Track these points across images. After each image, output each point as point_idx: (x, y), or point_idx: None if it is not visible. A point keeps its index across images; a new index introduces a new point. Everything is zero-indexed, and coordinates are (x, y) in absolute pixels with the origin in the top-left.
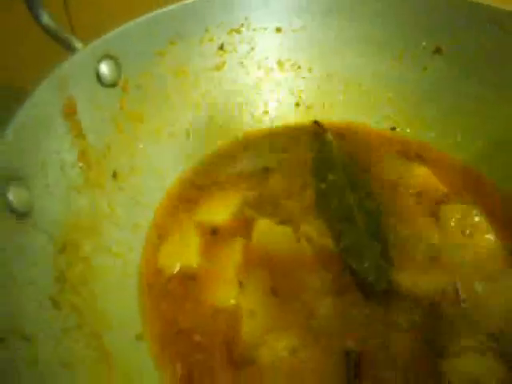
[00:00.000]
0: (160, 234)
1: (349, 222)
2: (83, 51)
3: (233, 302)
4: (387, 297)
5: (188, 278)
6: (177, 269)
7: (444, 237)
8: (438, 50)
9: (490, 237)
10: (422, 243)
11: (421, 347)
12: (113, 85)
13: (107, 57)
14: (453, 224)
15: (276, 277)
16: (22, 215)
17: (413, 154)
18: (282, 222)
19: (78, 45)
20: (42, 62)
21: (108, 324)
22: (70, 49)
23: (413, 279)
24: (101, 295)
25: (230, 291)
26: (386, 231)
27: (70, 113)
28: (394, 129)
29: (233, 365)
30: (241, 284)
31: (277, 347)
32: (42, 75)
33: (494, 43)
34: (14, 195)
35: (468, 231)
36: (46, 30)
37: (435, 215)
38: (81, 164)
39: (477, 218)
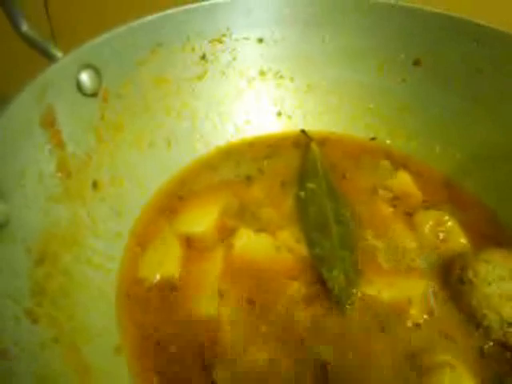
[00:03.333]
0: (140, 244)
1: (323, 231)
2: (63, 60)
3: (213, 313)
4: (354, 310)
5: (168, 289)
6: (157, 279)
7: (419, 242)
8: (416, 62)
9: (463, 241)
10: (395, 250)
11: (399, 362)
12: (93, 94)
13: (88, 66)
14: (427, 230)
15: (253, 287)
16: None
17: (396, 162)
18: (262, 231)
19: (58, 54)
20: (22, 71)
21: (87, 336)
22: (50, 58)
23: (379, 288)
24: (80, 307)
25: (210, 303)
26: (358, 240)
27: (49, 122)
28: (374, 139)
29: (208, 376)
30: (221, 295)
31: (254, 359)
32: (21, 84)
33: (472, 56)
34: None
35: (442, 236)
36: (26, 38)
37: (410, 222)
38: (60, 174)
39: (450, 223)
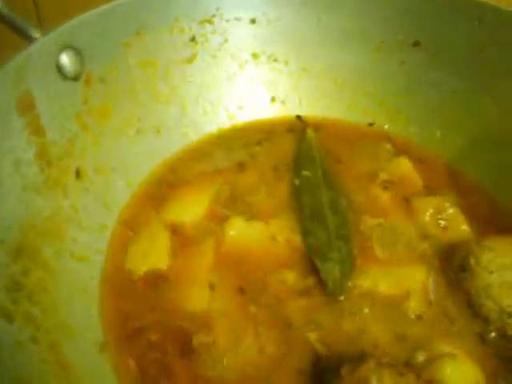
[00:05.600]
0: (128, 234)
1: (319, 220)
2: (42, 41)
3: (204, 307)
4: (349, 301)
5: (156, 280)
6: (145, 270)
7: (419, 230)
8: (416, 43)
9: (465, 227)
10: (393, 239)
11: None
12: (75, 78)
13: (69, 47)
14: (427, 218)
15: (245, 277)
16: None
17: (395, 148)
18: (254, 219)
19: (37, 34)
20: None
21: (69, 333)
22: (28, 39)
23: (376, 279)
24: (62, 302)
25: (200, 296)
26: (354, 231)
27: (26, 107)
28: (372, 124)
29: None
30: (212, 288)
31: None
32: None
33: (474, 36)
34: None
35: (443, 223)
36: (0, 17)
37: (409, 209)
38: (39, 162)
39: (451, 210)
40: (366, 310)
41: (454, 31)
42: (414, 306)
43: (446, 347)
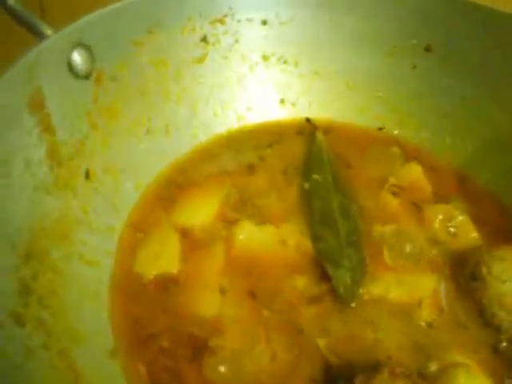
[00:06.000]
0: (136, 236)
1: (329, 225)
2: (53, 38)
3: (215, 312)
4: (360, 309)
5: (166, 284)
6: (155, 274)
7: (429, 237)
8: (428, 48)
9: (475, 235)
10: (404, 246)
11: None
12: (86, 76)
13: (80, 45)
14: (437, 225)
15: (255, 282)
16: None
17: (405, 153)
18: (264, 223)
19: (48, 31)
20: (8, 49)
21: (79, 339)
22: (39, 35)
23: (387, 287)
24: (72, 307)
25: (211, 301)
26: (365, 236)
27: (37, 105)
28: (381, 129)
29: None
30: (223, 292)
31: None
32: (6, 63)
33: (485, 43)
34: None
35: (452, 231)
36: (12, 13)
37: (419, 216)
38: (50, 162)
39: (460, 218)
40: (378, 318)
41: (465, 37)
42: (425, 314)
43: (458, 356)
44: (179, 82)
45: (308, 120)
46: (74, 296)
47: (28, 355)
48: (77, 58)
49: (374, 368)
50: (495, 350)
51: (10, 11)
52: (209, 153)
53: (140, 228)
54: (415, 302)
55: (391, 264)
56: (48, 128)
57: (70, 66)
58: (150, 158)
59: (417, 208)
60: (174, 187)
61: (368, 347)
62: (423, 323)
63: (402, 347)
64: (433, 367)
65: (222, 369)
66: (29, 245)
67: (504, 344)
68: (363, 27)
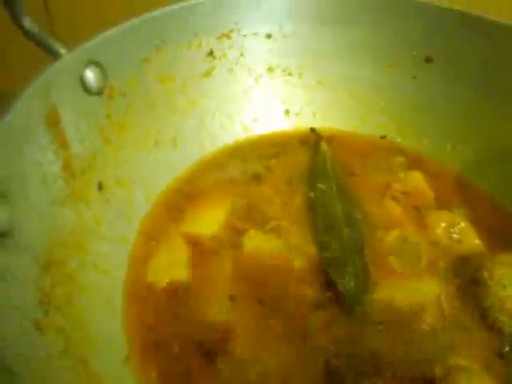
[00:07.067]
0: (148, 246)
1: (334, 233)
2: (67, 57)
3: (224, 319)
4: (365, 314)
5: (178, 291)
6: (167, 282)
7: (432, 244)
8: (428, 59)
9: (477, 241)
10: (407, 253)
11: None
12: (98, 92)
13: (92, 63)
14: (440, 231)
15: (264, 289)
16: (2, 234)
17: (410, 160)
18: (272, 232)
19: (62, 50)
20: (28, 68)
21: (95, 346)
22: (54, 54)
23: (392, 293)
24: (87, 315)
25: (221, 308)
26: (369, 243)
27: (53, 122)
28: (384, 137)
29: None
30: (232, 299)
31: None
32: (23, 82)
33: (485, 54)
34: None
35: (455, 237)
36: (28, 34)
37: (423, 223)
38: (65, 176)
39: (463, 224)
40: (383, 323)
41: (465, 48)
42: (429, 319)
43: (461, 360)
44: (187, 96)
45: (313, 130)
46: (89, 304)
47: (49, 361)
48: (90, 75)
49: (377, 372)
50: (498, 353)
51: (27, 32)
52: (216, 163)
53: (151, 236)
54: (419, 307)
55: (395, 269)
56: (63, 143)
57: (84, 83)
58: (159, 169)
59: (419, 214)
60: (182, 197)
61: (371, 352)
62: (427, 327)
63: (405, 351)
64: (436, 371)
65: (232, 374)
66: (47, 255)
67: (507, 348)
68: (364, 39)
